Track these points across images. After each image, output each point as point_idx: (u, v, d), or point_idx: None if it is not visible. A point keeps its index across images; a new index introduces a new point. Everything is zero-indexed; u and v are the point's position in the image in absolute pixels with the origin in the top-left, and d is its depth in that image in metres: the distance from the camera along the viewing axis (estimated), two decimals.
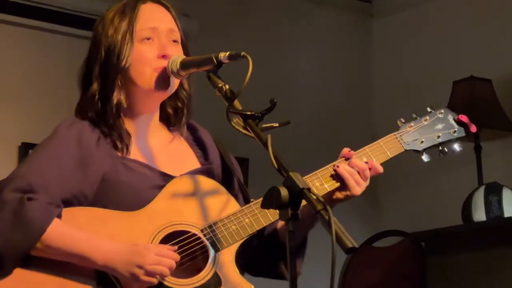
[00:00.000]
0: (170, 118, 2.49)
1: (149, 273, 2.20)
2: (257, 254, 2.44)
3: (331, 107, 5.62)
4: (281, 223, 2.42)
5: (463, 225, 4.74)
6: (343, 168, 2.38)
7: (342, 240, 1.89)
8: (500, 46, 5.22)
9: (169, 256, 2.23)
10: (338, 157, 2.43)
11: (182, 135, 2.49)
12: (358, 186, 2.38)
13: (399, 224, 5.26)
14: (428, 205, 5.40)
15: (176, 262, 2.24)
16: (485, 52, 5.26)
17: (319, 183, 2.38)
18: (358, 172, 2.38)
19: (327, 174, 2.39)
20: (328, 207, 1.91)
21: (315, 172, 2.39)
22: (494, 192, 4.67)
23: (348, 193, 2.39)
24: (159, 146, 2.45)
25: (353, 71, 5.83)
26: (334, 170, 2.38)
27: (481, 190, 4.69)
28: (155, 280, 2.21)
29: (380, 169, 2.42)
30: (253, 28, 5.40)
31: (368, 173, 2.39)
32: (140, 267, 2.20)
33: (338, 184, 2.38)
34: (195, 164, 2.46)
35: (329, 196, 2.39)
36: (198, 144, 2.51)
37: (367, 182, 2.40)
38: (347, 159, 2.41)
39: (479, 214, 4.65)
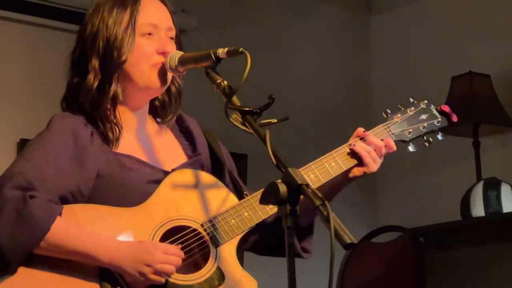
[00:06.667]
0: (157, 110, 2.48)
1: (157, 272, 2.19)
2: (268, 233, 2.45)
3: (329, 103, 5.61)
4: None
5: (462, 220, 4.74)
6: (360, 146, 2.45)
7: (341, 236, 1.89)
8: (498, 42, 5.21)
9: (176, 254, 2.22)
10: (352, 136, 2.50)
11: (169, 127, 2.49)
12: (375, 163, 2.46)
13: (397, 220, 5.26)
14: (426, 200, 5.40)
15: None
16: (484, 47, 5.25)
17: (334, 162, 2.44)
18: (375, 150, 2.46)
19: (343, 153, 2.46)
20: (326, 202, 1.91)
21: (330, 153, 2.45)
22: (492, 187, 4.66)
23: (365, 169, 2.46)
24: (148, 140, 2.44)
25: (352, 67, 5.82)
26: (351, 148, 2.45)
27: (480, 185, 4.69)
28: (162, 279, 2.21)
29: (395, 147, 2.50)
30: (251, 23, 5.39)
31: (384, 151, 2.48)
32: (148, 265, 2.19)
33: (355, 162, 2.46)
34: (182, 157, 2.45)
35: (345, 174, 2.46)
36: (185, 135, 2.51)
37: (382, 160, 2.48)
38: (361, 138, 2.47)
39: (478, 210, 4.65)
